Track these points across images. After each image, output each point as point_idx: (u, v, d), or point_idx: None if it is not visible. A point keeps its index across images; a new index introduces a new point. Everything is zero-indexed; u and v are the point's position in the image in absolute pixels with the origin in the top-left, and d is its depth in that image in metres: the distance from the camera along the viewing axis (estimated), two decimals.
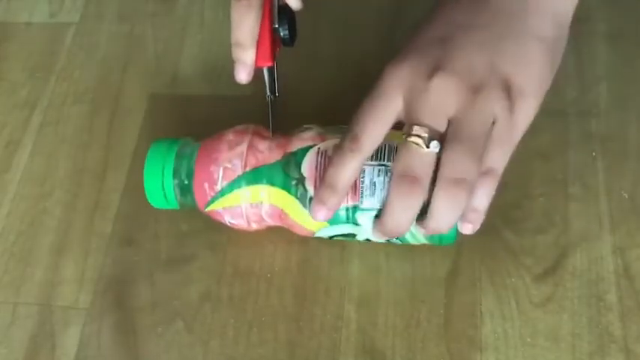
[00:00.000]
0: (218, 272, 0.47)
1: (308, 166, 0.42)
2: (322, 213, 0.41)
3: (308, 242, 0.47)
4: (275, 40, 0.45)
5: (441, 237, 0.43)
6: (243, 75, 0.44)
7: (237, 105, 0.52)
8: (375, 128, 0.39)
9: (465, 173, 0.38)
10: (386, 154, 0.41)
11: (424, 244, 0.44)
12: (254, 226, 0.46)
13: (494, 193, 0.40)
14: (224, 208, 0.44)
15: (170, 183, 0.45)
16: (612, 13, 0.55)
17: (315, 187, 0.42)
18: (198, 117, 0.53)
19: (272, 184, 0.43)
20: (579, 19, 0.54)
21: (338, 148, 0.40)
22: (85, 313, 0.46)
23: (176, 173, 0.45)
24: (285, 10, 0.45)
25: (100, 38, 0.59)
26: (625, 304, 0.43)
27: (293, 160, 0.43)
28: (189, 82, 0.55)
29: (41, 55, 0.59)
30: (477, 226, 0.41)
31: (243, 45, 0.44)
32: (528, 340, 0.43)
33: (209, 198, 0.44)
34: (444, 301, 0.44)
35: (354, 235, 0.44)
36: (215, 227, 0.48)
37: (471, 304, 0.44)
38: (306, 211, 0.43)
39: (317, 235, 0.45)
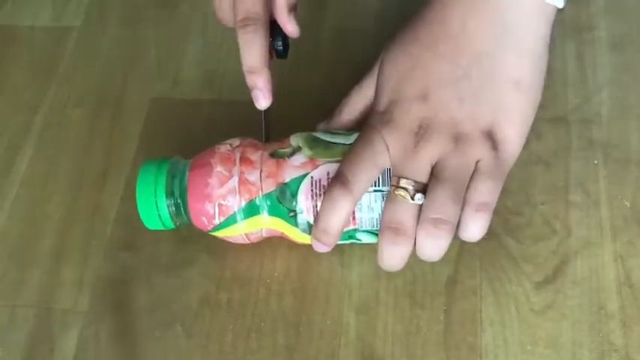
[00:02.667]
0: (217, 277, 0.47)
1: (304, 198, 0.42)
2: (322, 249, 0.43)
3: (308, 248, 0.47)
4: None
5: None
6: (263, 102, 0.44)
7: (238, 110, 0.51)
8: (365, 173, 0.41)
9: (444, 214, 0.39)
10: (380, 179, 0.42)
11: None
12: (254, 241, 0.46)
13: (487, 227, 0.40)
14: (225, 236, 0.45)
15: (164, 205, 0.43)
16: (615, 21, 0.55)
17: (313, 215, 0.42)
18: (199, 121, 0.53)
19: (269, 214, 0.43)
20: (582, 27, 0.55)
21: (328, 193, 0.41)
22: (83, 316, 0.46)
23: (169, 194, 0.43)
24: (276, 23, 0.45)
25: (102, 42, 0.59)
26: (626, 312, 0.43)
27: (287, 191, 0.42)
28: (191, 87, 0.55)
29: (43, 58, 0.59)
30: None
31: (256, 70, 0.44)
32: (528, 347, 0.43)
33: (208, 229, 0.44)
34: (444, 308, 0.44)
35: (359, 240, 0.44)
36: None
37: (471, 311, 0.44)
38: (306, 235, 0.43)
39: None
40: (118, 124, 0.54)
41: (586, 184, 0.48)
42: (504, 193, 0.47)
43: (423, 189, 0.40)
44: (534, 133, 0.50)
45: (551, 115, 0.51)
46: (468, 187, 0.40)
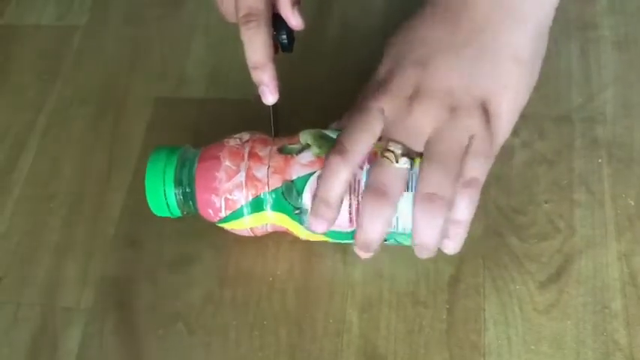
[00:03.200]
0: (220, 274, 0.47)
1: (309, 196, 0.42)
2: (320, 227, 0.41)
3: (311, 246, 0.47)
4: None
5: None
6: (270, 97, 0.44)
7: (242, 108, 0.52)
8: (361, 140, 0.40)
9: (439, 188, 0.39)
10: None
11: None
12: (259, 235, 0.46)
13: (476, 204, 0.40)
14: (231, 229, 0.45)
15: (172, 193, 0.44)
16: (619, 20, 0.55)
17: None
18: (204, 120, 0.54)
19: (275, 210, 0.43)
20: (586, 25, 0.55)
21: (327, 163, 0.41)
22: (87, 313, 0.46)
23: (177, 184, 0.44)
24: (281, 17, 0.45)
25: (106, 41, 0.59)
26: (630, 311, 0.43)
27: (294, 189, 0.42)
28: (195, 86, 0.55)
29: (48, 57, 0.59)
30: (459, 243, 0.41)
31: (261, 66, 0.43)
32: (532, 347, 0.43)
33: (215, 220, 0.44)
34: (447, 307, 0.44)
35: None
36: (218, 230, 0.48)
37: (475, 310, 0.44)
38: (311, 232, 0.43)
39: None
40: (122, 123, 0.54)
41: (590, 183, 0.48)
42: (508, 191, 0.48)
43: (410, 155, 0.40)
44: (538, 131, 0.50)
45: (555, 113, 0.51)
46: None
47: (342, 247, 0.47)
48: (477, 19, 0.41)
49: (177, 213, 0.45)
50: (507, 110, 0.41)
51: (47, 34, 0.61)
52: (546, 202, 0.47)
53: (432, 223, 0.40)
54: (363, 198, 0.40)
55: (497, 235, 0.46)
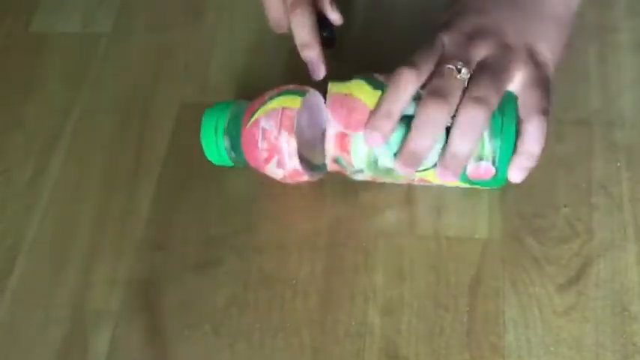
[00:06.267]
0: (244, 277, 0.48)
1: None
2: (376, 140, 0.43)
3: (333, 249, 0.48)
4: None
5: (493, 180, 0.45)
6: (319, 71, 0.50)
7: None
8: (429, 56, 0.44)
9: (486, 95, 0.42)
10: None
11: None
12: (284, 136, 0.46)
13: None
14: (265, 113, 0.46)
15: (222, 124, 0.48)
16: (637, 24, 0.55)
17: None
18: None
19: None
20: (605, 29, 0.55)
21: (394, 75, 0.43)
22: (115, 315, 0.47)
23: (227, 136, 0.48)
24: (324, 16, 0.51)
25: (131, 48, 0.61)
26: None
27: None
28: (219, 91, 0.56)
29: (74, 64, 0.60)
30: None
31: (308, 44, 0.49)
32: (551, 348, 0.43)
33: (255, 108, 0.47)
34: (468, 309, 0.45)
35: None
36: (242, 234, 0.49)
37: (495, 313, 0.45)
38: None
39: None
40: (148, 128, 0.56)
41: (609, 186, 0.48)
42: (527, 195, 0.48)
43: (469, 69, 0.43)
44: (556, 135, 0.50)
45: (574, 117, 0.51)
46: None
47: (363, 250, 0.47)
48: None
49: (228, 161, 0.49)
50: (550, 58, 0.45)
51: (73, 41, 0.62)
52: (565, 206, 0.48)
53: (474, 125, 0.42)
54: (422, 103, 0.43)
55: (516, 238, 0.47)
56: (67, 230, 0.52)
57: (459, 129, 0.42)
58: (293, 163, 0.46)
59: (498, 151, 0.43)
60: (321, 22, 0.51)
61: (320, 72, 0.49)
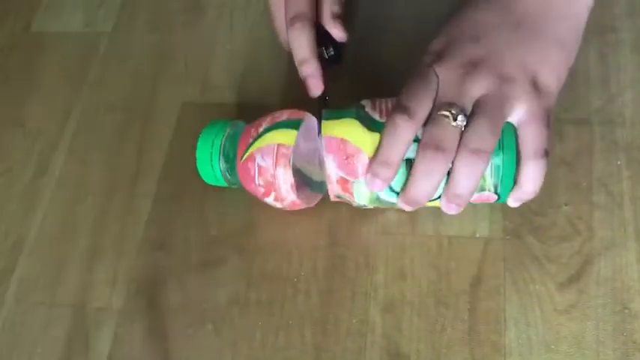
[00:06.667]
0: (246, 276, 0.48)
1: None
2: (377, 186, 0.43)
3: (334, 248, 0.48)
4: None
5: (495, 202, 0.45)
6: (316, 89, 0.48)
7: (266, 113, 0.53)
8: (424, 99, 0.42)
9: (483, 145, 0.41)
10: None
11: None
12: (280, 173, 0.46)
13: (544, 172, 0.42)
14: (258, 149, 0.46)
15: (218, 146, 0.47)
16: (637, 23, 0.55)
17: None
18: None
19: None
20: (605, 29, 0.55)
21: (391, 122, 0.42)
22: (118, 314, 0.47)
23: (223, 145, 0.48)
24: (327, 32, 0.49)
25: (132, 47, 0.61)
26: None
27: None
28: (220, 91, 0.57)
29: (75, 63, 0.60)
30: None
31: (306, 61, 0.48)
32: (552, 346, 0.43)
33: (249, 140, 0.46)
34: (469, 307, 0.45)
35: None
36: (243, 233, 0.49)
37: (495, 311, 0.45)
38: None
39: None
40: (149, 127, 0.56)
41: (609, 185, 0.48)
42: None
43: (465, 114, 0.41)
44: (557, 134, 0.50)
45: (574, 116, 0.51)
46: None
47: (364, 248, 0.48)
48: (529, 8, 0.44)
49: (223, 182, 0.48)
50: (554, 87, 0.43)
51: (74, 41, 0.62)
52: (566, 204, 0.48)
53: (471, 174, 0.41)
54: (419, 154, 0.42)
55: (517, 236, 0.47)
56: (68, 230, 0.52)
57: (458, 174, 0.41)
58: (290, 197, 0.46)
59: (500, 184, 0.43)
60: (326, 37, 0.49)
61: (317, 89, 0.48)
